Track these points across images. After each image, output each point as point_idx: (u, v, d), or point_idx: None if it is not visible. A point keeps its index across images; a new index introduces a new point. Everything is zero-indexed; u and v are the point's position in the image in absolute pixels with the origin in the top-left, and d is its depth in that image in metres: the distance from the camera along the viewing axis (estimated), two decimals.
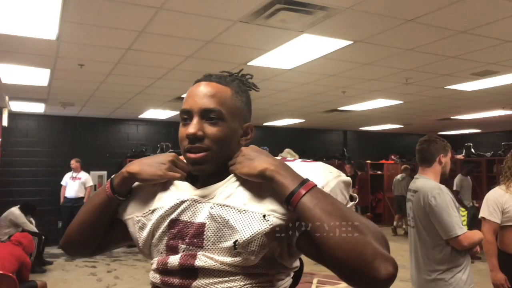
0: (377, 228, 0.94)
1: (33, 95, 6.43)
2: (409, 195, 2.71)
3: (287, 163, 1.04)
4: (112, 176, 1.16)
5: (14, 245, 4.50)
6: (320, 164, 1.07)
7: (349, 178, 1.08)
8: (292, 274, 1.13)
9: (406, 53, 4.15)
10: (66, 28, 3.44)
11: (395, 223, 9.87)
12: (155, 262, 1.10)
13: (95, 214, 1.16)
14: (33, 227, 6.73)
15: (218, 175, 1.08)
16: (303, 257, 1.10)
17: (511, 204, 2.85)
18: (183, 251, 1.05)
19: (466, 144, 10.44)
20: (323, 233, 0.89)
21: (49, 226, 8.06)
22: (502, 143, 9.66)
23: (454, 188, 8.08)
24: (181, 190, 1.10)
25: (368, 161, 11.34)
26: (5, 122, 7.45)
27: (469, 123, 9.83)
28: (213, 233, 1.02)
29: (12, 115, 8.04)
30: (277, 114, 8.48)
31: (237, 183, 1.05)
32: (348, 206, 1.04)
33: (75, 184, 7.92)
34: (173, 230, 1.07)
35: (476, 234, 2.47)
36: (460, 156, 10.23)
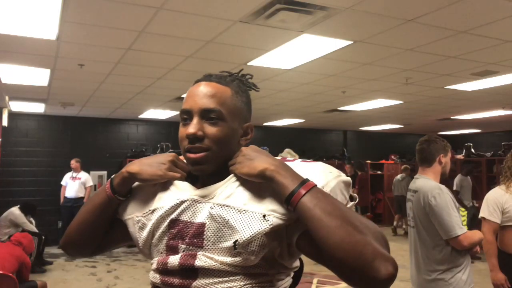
0: (377, 228, 0.94)
1: (33, 95, 6.43)
2: (409, 195, 2.71)
3: (287, 163, 1.04)
4: (112, 176, 1.16)
5: (14, 245, 4.50)
6: (320, 164, 1.07)
7: (349, 178, 1.08)
8: (292, 274, 1.13)
9: (406, 53, 4.16)
10: (66, 28, 3.44)
11: (395, 223, 9.88)
12: (155, 262, 1.10)
13: (95, 214, 1.16)
14: (33, 227, 6.73)
15: (218, 175, 1.08)
16: (303, 257, 1.10)
17: (511, 204, 2.85)
18: (183, 251, 1.05)
19: (466, 144, 10.45)
20: (323, 233, 0.89)
21: (49, 226, 8.06)
22: (502, 143, 9.66)
23: (454, 188, 8.09)
24: (181, 190, 1.10)
25: (368, 161, 11.35)
26: (5, 122, 7.45)
27: (469, 123, 9.84)
28: (213, 233, 1.02)
29: (12, 115, 8.04)
30: (277, 114, 8.48)
31: (237, 183, 1.05)
32: (348, 206, 1.04)
33: (75, 184, 7.92)
34: (173, 230, 1.07)
35: (476, 234, 2.47)
36: (460, 156, 10.23)
